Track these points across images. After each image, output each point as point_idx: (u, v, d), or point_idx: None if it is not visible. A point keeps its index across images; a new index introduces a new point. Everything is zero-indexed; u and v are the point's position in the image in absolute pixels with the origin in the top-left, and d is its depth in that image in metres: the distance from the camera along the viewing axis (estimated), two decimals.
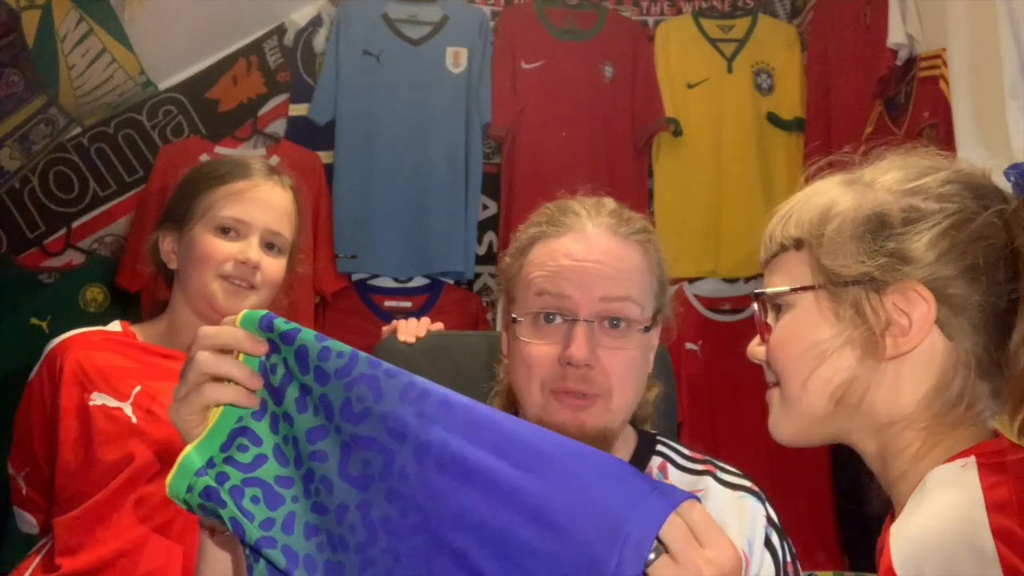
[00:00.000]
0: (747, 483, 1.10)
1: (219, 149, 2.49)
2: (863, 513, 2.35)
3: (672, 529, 0.63)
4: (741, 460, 1.17)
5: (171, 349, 1.41)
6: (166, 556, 1.29)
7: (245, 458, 0.74)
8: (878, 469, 0.84)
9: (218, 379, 0.75)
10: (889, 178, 0.83)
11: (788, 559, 1.07)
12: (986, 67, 1.77)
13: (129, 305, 2.38)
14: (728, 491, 1.08)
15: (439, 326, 1.44)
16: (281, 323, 0.75)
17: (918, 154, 0.86)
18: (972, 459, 0.75)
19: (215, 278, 1.37)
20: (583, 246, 1.03)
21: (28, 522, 1.43)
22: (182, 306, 1.42)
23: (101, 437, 1.31)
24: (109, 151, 2.55)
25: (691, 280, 2.65)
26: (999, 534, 0.68)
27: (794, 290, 0.83)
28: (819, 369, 0.81)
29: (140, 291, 2.35)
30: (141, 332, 1.44)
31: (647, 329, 1.04)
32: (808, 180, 0.89)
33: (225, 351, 0.75)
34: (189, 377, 0.75)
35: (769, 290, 0.86)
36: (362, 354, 0.74)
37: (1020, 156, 1.67)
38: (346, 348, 0.74)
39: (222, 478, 0.73)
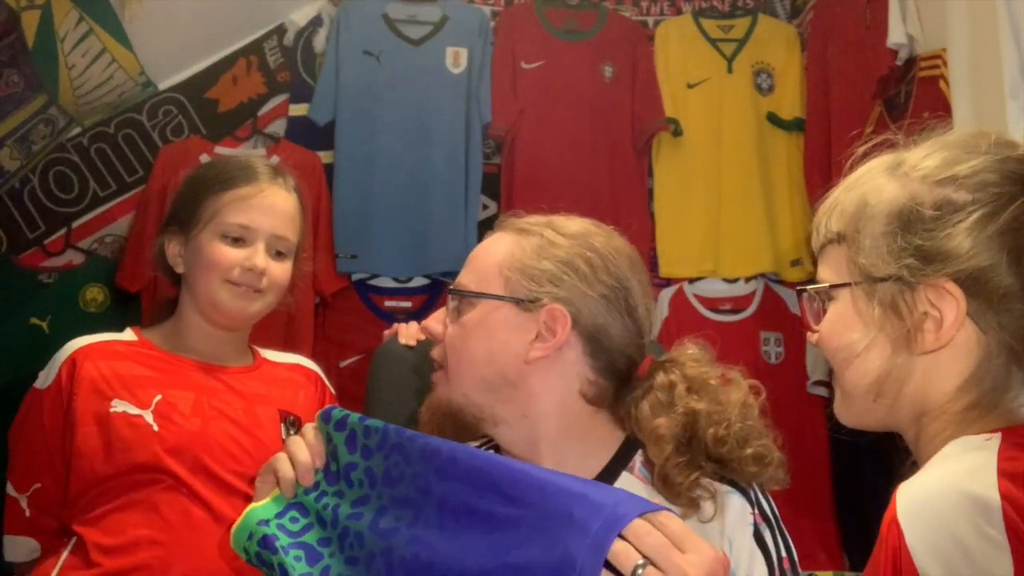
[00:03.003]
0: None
1: (219, 149, 2.49)
2: (863, 513, 2.36)
3: (652, 540, 0.71)
4: None
5: (187, 356, 1.41)
6: (194, 565, 1.27)
7: (295, 527, 0.94)
8: (916, 456, 0.85)
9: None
10: (926, 165, 0.83)
11: (784, 554, 1.01)
12: (986, 67, 1.76)
13: (129, 305, 2.38)
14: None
15: None
16: (337, 412, 0.96)
17: (962, 132, 0.86)
18: (999, 435, 0.76)
19: (222, 284, 1.37)
20: None
21: (28, 548, 1.36)
22: (190, 310, 1.42)
23: (122, 443, 1.30)
24: (109, 151, 2.55)
25: (691, 280, 2.65)
26: (1007, 497, 0.69)
27: (832, 287, 0.86)
28: (854, 364, 0.84)
29: (140, 291, 2.35)
30: (154, 338, 1.43)
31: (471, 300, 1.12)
32: (856, 163, 0.91)
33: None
34: (282, 450, 0.97)
35: (809, 287, 0.90)
36: (390, 425, 0.92)
37: None
38: (378, 423, 0.93)
39: (276, 536, 0.93)
